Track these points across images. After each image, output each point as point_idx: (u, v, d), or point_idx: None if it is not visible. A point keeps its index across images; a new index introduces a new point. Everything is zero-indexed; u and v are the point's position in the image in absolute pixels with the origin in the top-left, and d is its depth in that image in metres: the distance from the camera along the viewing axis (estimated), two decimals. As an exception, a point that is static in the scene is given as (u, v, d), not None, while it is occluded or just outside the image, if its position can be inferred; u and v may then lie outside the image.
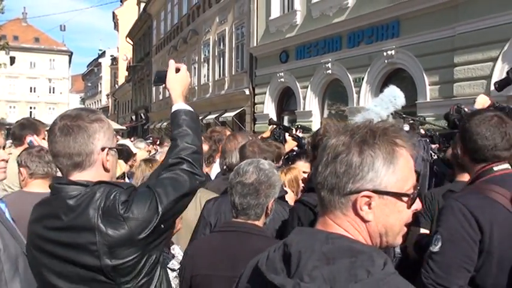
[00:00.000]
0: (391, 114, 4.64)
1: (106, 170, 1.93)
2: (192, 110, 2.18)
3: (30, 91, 69.62)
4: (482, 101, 3.83)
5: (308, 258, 1.17)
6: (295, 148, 5.59)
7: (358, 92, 14.42)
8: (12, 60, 53.16)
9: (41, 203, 1.95)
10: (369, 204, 1.25)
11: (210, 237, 2.66)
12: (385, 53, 13.40)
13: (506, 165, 2.35)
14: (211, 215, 3.04)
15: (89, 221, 1.76)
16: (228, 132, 5.24)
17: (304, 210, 2.89)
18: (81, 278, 1.79)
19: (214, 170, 4.81)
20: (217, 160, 4.68)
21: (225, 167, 3.97)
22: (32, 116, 62.02)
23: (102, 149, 1.90)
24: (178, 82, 2.23)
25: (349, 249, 1.19)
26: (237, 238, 2.39)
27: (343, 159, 1.24)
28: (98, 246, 1.75)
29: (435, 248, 2.22)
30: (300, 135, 5.76)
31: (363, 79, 14.26)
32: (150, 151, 8.95)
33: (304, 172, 4.25)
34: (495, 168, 2.33)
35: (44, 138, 4.55)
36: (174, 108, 2.17)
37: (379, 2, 13.56)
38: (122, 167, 3.81)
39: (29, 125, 4.60)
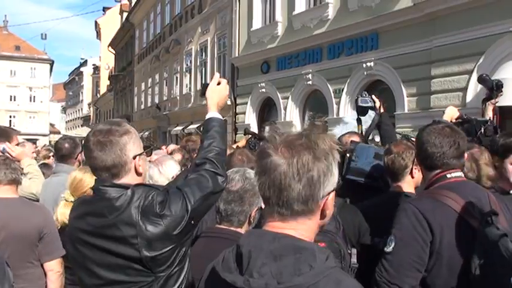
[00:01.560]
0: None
1: (139, 174, 2.19)
2: (222, 118, 2.44)
3: (10, 99, 68.73)
4: (451, 113, 3.97)
5: (257, 257, 1.29)
6: None
7: (338, 103, 14.58)
8: (-8, 68, 52.58)
9: (82, 203, 2.24)
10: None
11: (196, 243, 2.70)
12: (364, 65, 13.59)
13: (459, 173, 2.46)
14: None
15: (131, 218, 2.02)
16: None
17: None
18: (121, 267, 2.04)
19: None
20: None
21: None
22: (12, 125, 61.34)
23: (134, 157, 2.15)
24: (216, 92, 2.50)
25: (294, 247, 1.30)
26: (219, 244, 2.43)
27: (311, 172, 1.33)
28: (138, 240, 1.99)
29: (389, 248, 2.33)
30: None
31: (342, 90, 14.42)
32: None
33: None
34: (448, 176, 2.43)
35: (17, 145, 4.58)
36: (208, 116, 2.42)
37: (358, 14, 13.78)
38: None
39: (1, 132, 4.61)
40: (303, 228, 1.36)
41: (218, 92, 2.50)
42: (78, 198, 2.29)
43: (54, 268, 3.55)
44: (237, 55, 19.90)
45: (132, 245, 2.00)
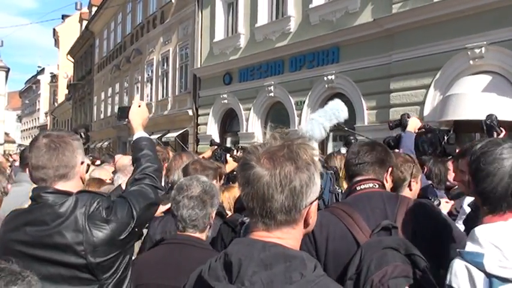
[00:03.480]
0: (334, 126, 4.80)
1: (82, 180, 2.30)
2: (150, 137, 2.64)
3: (-37, 107, 66.56)
4: (414, 124, 4.07)
5: (248, 265, 1.30)
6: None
7: (300, 115, 14.74)
8: None
9: (18, 215, 2.18)
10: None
11: (156, 250, 2.73)
12: (325, 78, 13.81)
13: (369, 185, 2.50)
14: (157, 234, 3.13)
15: (77, 224, 2.03)
16: (171, 153, 5.28)
17: (228, 231, 3.16)
18: (63, 277, 2.04)
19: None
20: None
21: (169, 184, 4.06)
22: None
23: (81, 163, 2.25)
24: (139, 115, 2.70)
25: (284, 255, 1.32)
26: (180, 250, 2.49)
27: (294, 183, 1.36)
28: (84, 246, 2.02)
29: None
30: (241, 156, 5.86)
31: (304, 102, 14.60)
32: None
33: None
34: (358, 188, 2.50)
35: None
36: (135, 136, 2.59)
37: (320, 28, 14.02)
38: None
39: None
40: (287, 238, 1.39)
41: (140, 113, 2.71)
42: (12, 211, 2.24)
43: None
44: (199, 66, 19.88)
45: (77, 252, 2.02)
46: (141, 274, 2.51)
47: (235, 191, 4.42)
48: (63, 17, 55.84)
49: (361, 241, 2.22)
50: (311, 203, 1.41)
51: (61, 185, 2.15)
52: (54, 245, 2.02)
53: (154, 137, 22.99)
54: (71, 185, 2.18)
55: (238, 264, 1.31)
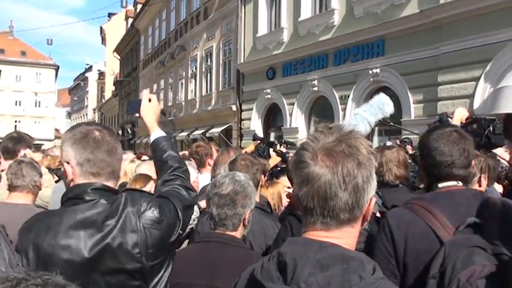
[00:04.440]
0: (379, 120, 4.68)
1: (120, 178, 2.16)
2: (166, 134, 2.41)
3: (16, 104, 69.03)
4: (460, 115, 3.86)
5: (303, 266, 1.24)
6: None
7: (344, 109, 14.57)
8: (-2, 73, 52.89)
9: (58, 214, 1.92)
10: None
11: (191, 248, 2.71)
12: (370, 71, 13.58)
13: (451, 183, 2.33)
14: (205, 229, 3.06)
15: (131, 224, 1.89)
16: (214, 148, 5.26)
17: (298, 225, 2.91)
18: (113, 285, 1.86)
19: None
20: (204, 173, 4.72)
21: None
22: (17, 130, 61.52)
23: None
24: (151, 110, 2.43)
25: (342, 256, 1.26)
26: (215, 248, 2.45)
27: (356, 179, 1.30)
28: (140, 247, 1.88)
29: None
30: (284, 150, 5.78)
31: (348, 96, 14.41)
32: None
33: (288, 187, 4.29)
34: (439, 185, 2.34)
35: (34, 151, 4.56)
36: (154, 136, 2.37)
37: (364, 21, 13.79)
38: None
39: (22, 138, 4.60)
40: (346, 237, 1.34)
41: (152, 109, 2.45)
42: (40, 214, 2.05)
43: None
44: (242, 61, 19.93)
45: (133, 255, 1.87)
46: (175, 273, 2.49)
47: (280, 187, 4.38)
48: (109, 15, 57.05)
49: (444, 239, 2.12)
50: (370, 199, 1.36)
51: (111, 184, 1.99)
52: (107, 248, 1.83)
53: (198, 132, 23.28)
54: (114, 184, 2.03)
55: (293, 264, 1.25)
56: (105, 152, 1.95)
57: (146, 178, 4.09)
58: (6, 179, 3.44)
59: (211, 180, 3.68)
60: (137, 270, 1.88)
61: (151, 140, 2.37)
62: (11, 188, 3.43)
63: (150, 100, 2.45)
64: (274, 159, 5.56)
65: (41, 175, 3.54)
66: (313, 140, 1.36)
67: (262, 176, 3.60)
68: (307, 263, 1.24)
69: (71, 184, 1.97)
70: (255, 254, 2.58)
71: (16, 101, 69.10)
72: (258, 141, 5.79)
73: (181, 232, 2.03)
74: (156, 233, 1.91)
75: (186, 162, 4.21)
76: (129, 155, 8.22)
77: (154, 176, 5.26)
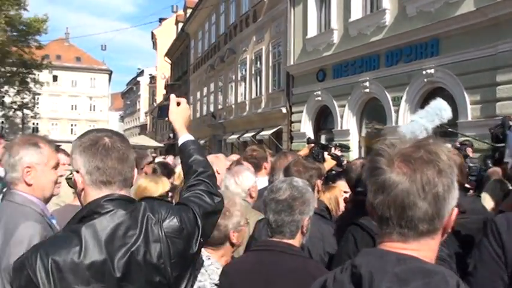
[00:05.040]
0: (437, 127, 4.55)
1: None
2: (194, 138, 2.36)
3: (72, 109, 71.42)
4: None
5: (381, 280, 1.17)
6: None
7: (397, 111, 14.26)
8: (55, 78, 54.85)
9: (75, 231, 1.79)
10: None
11: (246, 256, 2.68)
12: (424, 72, 13.24)
13: None
14: (262, 235, 2.99)
15: (153, 234, 1.82)
16: (268, 152, 5.24)
17: (362, 235, 2.84)
18: None
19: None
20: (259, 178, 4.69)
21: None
22: (74, 134, 63.58)
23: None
24: (180, 114, 2.40)
25: (422, 270, 1.19)
26: (271, 257, 2.40)
27: (437, 188, 1.24)
28: (164, 257, 1.81)
29: (469, 268, 2.20)
30: (339, 154, 5.71)
31: (401, 98, 14.10)
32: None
33: (345, 192, 4.23)
34: None
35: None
36: (182, 140, 2.33)
37: (417, 20, 13.47)
38: (165, 185, 3.85)
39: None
40: (425, 249, 1.27)
41: (181, 113, 2.41)
42: (56, 237, 1.88)
43: None
44: (292, 63, 19.86)
45: (157, 266, 1.80)
46: (232, 282, 2.45)
47: (337, 191, 4.32)
48: (160, 20, 58.19)
49: None
50: (452, 210, 1.29)
51: (124, 192, 1.90)
52: (133, 261, 1.76)
53: (248, 135, 23.35)
54: (128, 192, 1.95)
55: (369, 278, 1.19)
56: (116, 159, 1.88)
57: None
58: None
59: (268, 184, 3.65)
60: (162, 282, 1.81)
61: (179, 144, 2.33)
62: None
63: (179, 104, 2.42)
64: (329, 163, 5.49)
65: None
66: (389, 145, 1.31)
67: (319, 180, 3.53)
68: (385, 277, 1.17)
69: (82, 194, 1.91)
70: (313, 263, 2.51)
71: (72, 105, 71.48)
72: (312, 145, 5.73)
73: (201, 240, 1.95)
74: (177, 242, 1.85)
75: (243, 166, 4.21)
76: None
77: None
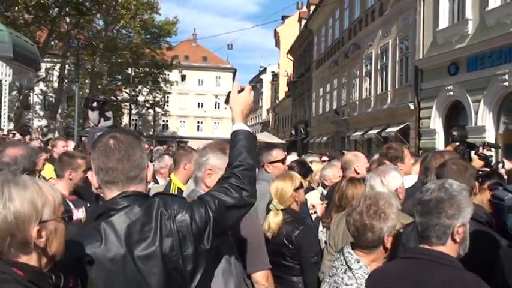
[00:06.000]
0: None
1: (147, 183, 2.11)
2: (248, 129, 2.31)
3: (198, 107, 74.54)
4: None
5: None
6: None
7: (542, 106, 13.07)
8: (183, 78, 57.74)
9: (93, 229, 1.93)
10: None
11: (396, 264, 2.49)
12: None
13: None
14: (410, 241, 2.78)
15: (166, 228, 1.90)
16: (406, 150, 4.96)
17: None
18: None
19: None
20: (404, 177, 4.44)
21: None
22: (199, 130, 66.56)
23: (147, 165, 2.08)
24: (239, 101, 2.37)
25: None
26: (421, 266, 2.19)
27: None
28: (176, 251, 1.89)
29: None
30: (488, 153, 5.26)
31: (547, 92, 12.91)
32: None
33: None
34: None
35: None
36: (234, 128, 2.31)
37: None
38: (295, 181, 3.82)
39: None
40: None
41: (241, 100, 2.37)
42: (82, 232, 2.02)
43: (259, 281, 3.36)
44: (421, 57, 19.02)
45: (170, 258, 1.89)
46: None
47: (486, 194, 3.97)
48: (283, 18, 58.81)
49: None
50: None
51: (135, 188, 2.00)
52: (151, 255, 1.87)
53: (373, 132, 22.82)
54: (142, 188, 2.03)
55: None
56: (116, 160, 1.96)
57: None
58: None
59: (421, 185, 3.41)
60: (176, 275, 1.89)
61: (232, 131, 2.31)
62: None
63: (241, 91, 2.39)
64: (477, 163, 5.05)
65: None
66: None
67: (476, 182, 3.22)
68: None
69: (99, 191, 2.06)
70: (470, 277, 2.19)
71: (198, 103, 74.62)
72: (457, 143, 5.35)
73: (215, 234, 1.99)
74: (188, 236, 1.91)
75: (390, 166, 3.98)
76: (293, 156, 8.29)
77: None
